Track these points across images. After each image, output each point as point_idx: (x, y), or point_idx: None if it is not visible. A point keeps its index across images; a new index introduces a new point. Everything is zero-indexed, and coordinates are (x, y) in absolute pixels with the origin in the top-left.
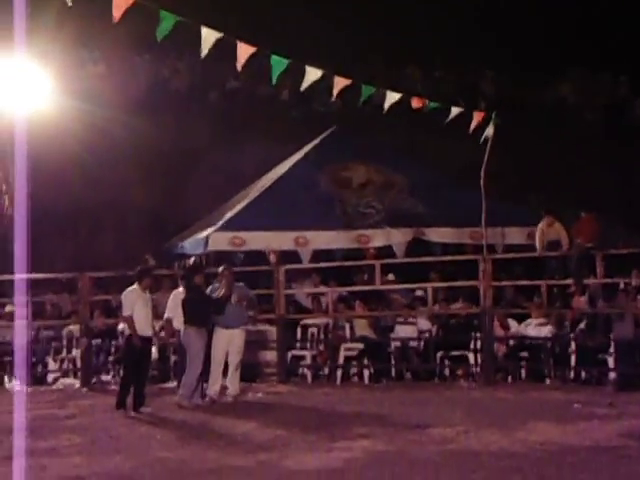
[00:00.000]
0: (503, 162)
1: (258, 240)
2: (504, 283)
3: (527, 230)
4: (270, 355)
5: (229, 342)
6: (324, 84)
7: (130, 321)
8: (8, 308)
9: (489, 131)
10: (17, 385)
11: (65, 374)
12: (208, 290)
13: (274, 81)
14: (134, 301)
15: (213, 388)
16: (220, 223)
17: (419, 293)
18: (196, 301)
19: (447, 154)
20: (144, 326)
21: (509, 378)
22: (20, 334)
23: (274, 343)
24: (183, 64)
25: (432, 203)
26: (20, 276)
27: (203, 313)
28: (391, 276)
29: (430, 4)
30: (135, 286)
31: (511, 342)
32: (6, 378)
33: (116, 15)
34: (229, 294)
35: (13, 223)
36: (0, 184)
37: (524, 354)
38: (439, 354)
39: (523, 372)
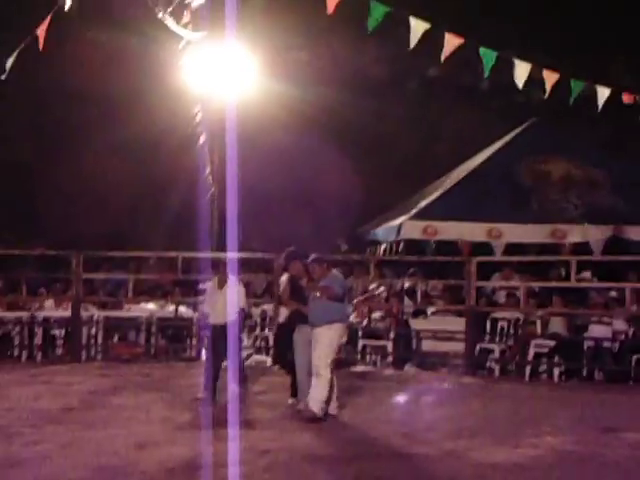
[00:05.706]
0: None
1: (451, 230)
2: None
3: None
4: (457, 346)
5: (314, 341)
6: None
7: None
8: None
9: None
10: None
11: (257, 351)
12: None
13: (486, 74)
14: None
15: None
16: (414, 211)
17: (614, 294)
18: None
19: None
20: None
21: None
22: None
23: (462, 334)
24: (384, 53)
25: (635, 201)
26: (230, 254)
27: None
28: (587, 274)
29: None
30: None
31: None
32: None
33: (330, 7)
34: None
35: (214, 203)
36: (207, 166)
37: None
38: (635, 357)
39: None
